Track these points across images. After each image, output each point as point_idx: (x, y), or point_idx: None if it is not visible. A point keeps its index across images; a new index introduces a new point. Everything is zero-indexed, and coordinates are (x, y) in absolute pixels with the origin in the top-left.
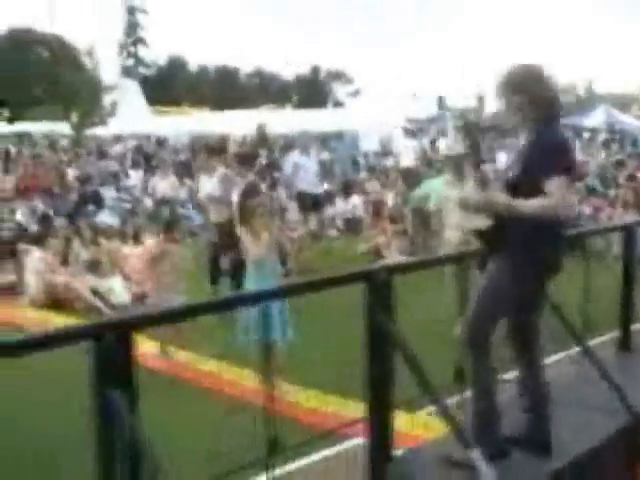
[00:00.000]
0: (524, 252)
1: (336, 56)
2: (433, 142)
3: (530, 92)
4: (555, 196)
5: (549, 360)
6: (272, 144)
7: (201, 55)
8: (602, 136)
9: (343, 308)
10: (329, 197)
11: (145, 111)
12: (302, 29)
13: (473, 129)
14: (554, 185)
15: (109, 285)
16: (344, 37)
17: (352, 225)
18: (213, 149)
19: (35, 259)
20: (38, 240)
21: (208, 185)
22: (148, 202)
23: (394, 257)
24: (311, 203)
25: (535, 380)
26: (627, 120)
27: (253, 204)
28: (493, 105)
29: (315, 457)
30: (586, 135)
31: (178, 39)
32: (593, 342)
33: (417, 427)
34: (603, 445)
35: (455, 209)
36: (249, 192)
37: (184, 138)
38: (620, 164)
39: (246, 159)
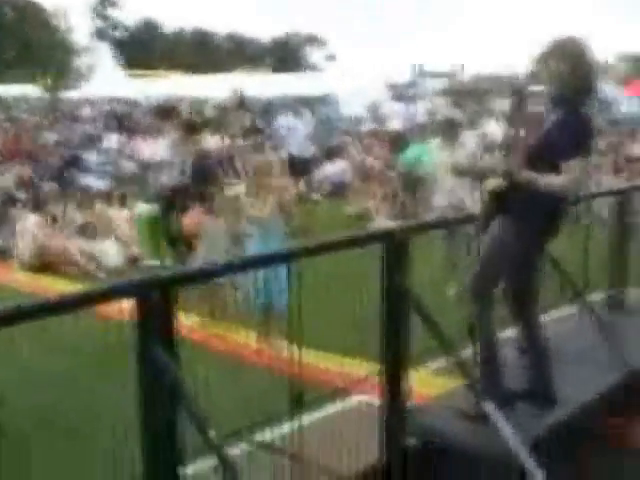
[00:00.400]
0: (529, 214)
1: (311, 20)
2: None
3: (572, 62)
4: (572, 176)
5: (546, 317)
6: (250, 108)
7: (175, 18)
8: None
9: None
10: (315, 161)
11: (118, 74)
12: None
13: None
14: (572, 166)
15: (102, 248)
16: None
17: (338, 189)
18: (163, 113)
19: (31, 224)
20: (35, 205)
21: (158, 148)
22: (128, 165)
23: (383, 221)
24: (301, 167)
25: (535, 337)
26: (601, 87)
27: (259, 165)
28: (471, 70)
29: (325, 412)
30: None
31: (151, 2)
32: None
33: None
34: (601, 398)
35: (446, 174)
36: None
37: (159, 102)
38: (598, 131)
39: (192, 127)
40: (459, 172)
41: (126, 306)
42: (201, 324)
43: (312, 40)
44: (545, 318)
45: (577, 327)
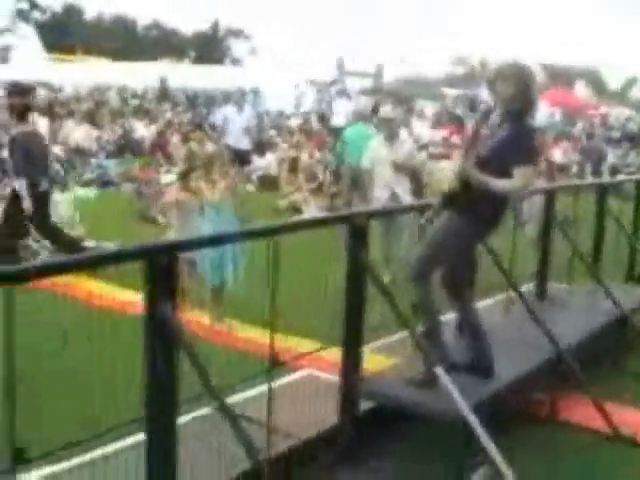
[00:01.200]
0: (475, 210)
1: (235, 13)
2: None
3: (519, 87)
4: (521, 181)
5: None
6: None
7: (98, 3)
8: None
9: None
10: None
11: (41, 58)
12: None
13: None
14: (522, 173)
15: None
16: None
17: (266, 181)
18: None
19: None
20: None
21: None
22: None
23: (313, 213)
24: (237, 158)
25: (471, 317)
26: None
27: (212, 153)
28: (391, 73)
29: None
30: (483, 107)
31: None
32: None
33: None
34: (533, 372)
35: (386, 169)
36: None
37: (83, 87)
38: None
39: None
40: (398, 168)
41: None
42: None
43: (236, 33)
44: (482, 304)
45: (510, 313)
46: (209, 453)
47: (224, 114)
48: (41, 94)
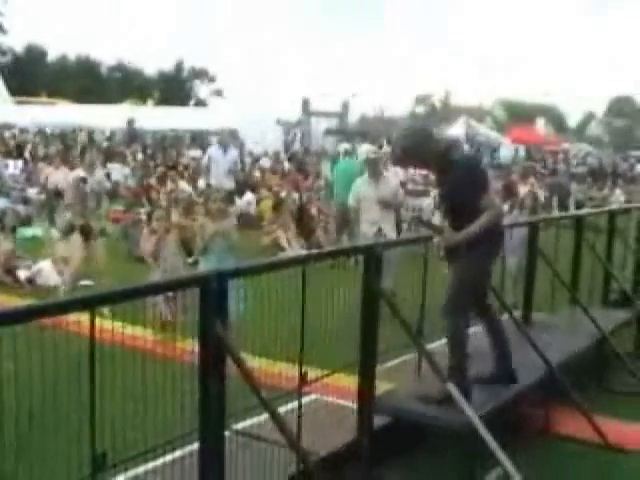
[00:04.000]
0: (479, 248)
1: (199, 54)
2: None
3: (426, 154)
4: (491, 209)
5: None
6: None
7: (61, 45)
8: (464, 147)
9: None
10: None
11: (5, 100)
12: (167, 26)
13: None
14: (486, 202)
15: (40, 268)
16: (208, 36)
17: (246, 220)
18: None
19: None
20: None
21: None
22: (32, 191)
23: (295, 251)
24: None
25: (499, 329)
26: (485, 132)
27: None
28: (357, 110)
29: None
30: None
31: (39, 28)
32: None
33: None
34: (529, 388)
35: (372, 206)
36: None
37: (49, 129)
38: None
39: None
40: (385, 205)
41: None
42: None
43: (201, 74)
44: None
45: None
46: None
47: (208, 154)
48: (6, 135)
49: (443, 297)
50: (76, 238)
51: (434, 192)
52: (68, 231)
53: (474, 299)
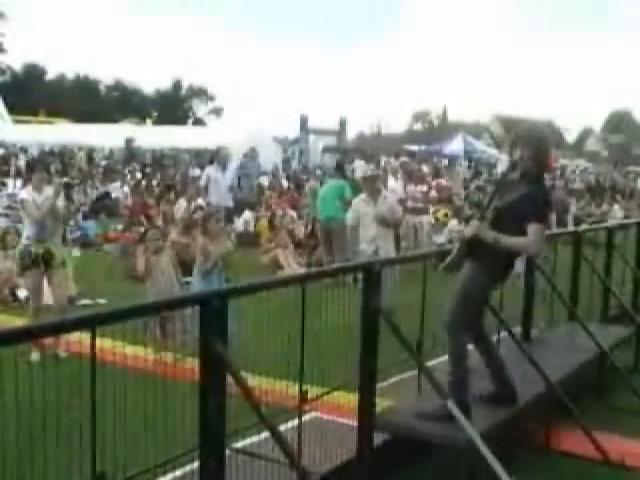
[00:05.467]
0: (491, 264)
1: (198, 72)
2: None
3: (539, 151)
4: (533, 239)
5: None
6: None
7: (60, 65)
8: (462, 163)
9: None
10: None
11: (4, 119)
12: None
13: None
14: (534, 230)
15: None
16: (207, 53)
17: (245, 239)
18: None
19: None
20: None
21: None
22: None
23: (294, 270)
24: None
25: (493, 351)
26: (482, 148)
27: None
28: (355, 128)
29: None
30: (444, 162)
31: (38, 47)
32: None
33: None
34: (528, 405)
35: (370, 224)
36: None
37: (48, 148)
38: (480, 189)
39: None
40: (383, 222)
41: None
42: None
43: (200, 93)
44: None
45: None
46: None
47: (207, 173)
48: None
49: (447, 311)
50: None
51: (433, 209)
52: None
53: (477, 314)
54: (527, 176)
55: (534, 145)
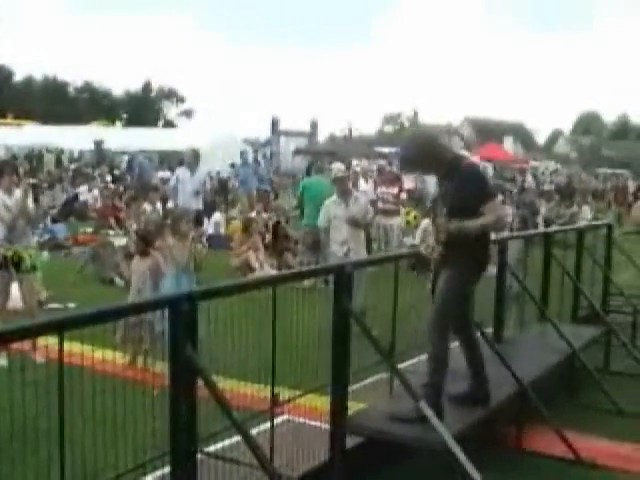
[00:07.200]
0: (468, 258)
1: (168, 73)
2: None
3: (433, 156)
4: (494, 214)
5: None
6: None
7: (28, 67)
8: None
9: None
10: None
11: None
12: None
13: None
14: (491, 207)
15: None
16: (177, 54)
17: (215, 241)
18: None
19: None
20: None
21: None
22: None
23: (265, 271)
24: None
25: (475, 347)
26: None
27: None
28: (326, 130)
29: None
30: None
31: (5, 49)
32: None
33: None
34: (501, 406)
35: (342, 225)
36: None
37: (16, 150)
38: None
39: None
40: (354, 223)
41: None
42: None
43: (170, 95)
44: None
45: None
46: None
47: (176, 175)
48: None
49: (429, 314)
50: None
51: (404, 210)
52: None
53: (460, 312)
54: (447, 172)
55: (420, 151)
